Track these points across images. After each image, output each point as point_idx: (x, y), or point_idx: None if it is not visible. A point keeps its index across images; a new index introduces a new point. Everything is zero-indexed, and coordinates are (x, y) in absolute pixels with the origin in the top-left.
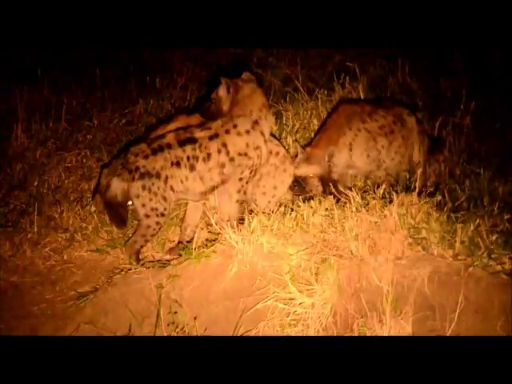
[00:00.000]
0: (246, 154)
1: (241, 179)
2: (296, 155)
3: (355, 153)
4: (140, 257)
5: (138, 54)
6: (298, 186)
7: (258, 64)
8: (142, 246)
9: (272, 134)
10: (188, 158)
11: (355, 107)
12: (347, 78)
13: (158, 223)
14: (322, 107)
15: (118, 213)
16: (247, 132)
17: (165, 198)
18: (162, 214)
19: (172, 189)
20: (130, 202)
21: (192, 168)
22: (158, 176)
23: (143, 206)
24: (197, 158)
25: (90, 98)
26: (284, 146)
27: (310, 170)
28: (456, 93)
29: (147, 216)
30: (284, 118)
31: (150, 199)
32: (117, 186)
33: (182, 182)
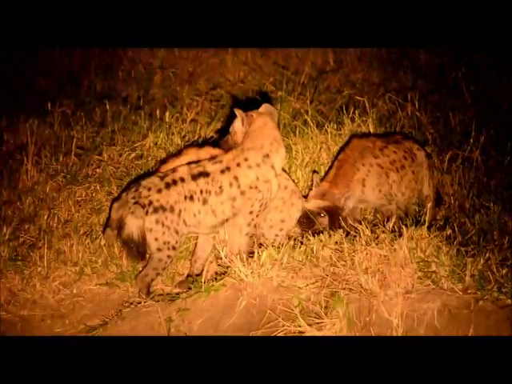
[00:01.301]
0: (256, 187)
1: (251, 212)
2: (311, 187)
3: (368, 188)
4: (150, 290)
5: (147, 89)
6: (307, 221)
7: (268, 98)
8: (152, 280)
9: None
10: (201, 191)
11: (367, 142)
12: (356, 111)
13: (169, 256)
14: (332, 141)
15: (135, 249)
16: (257, 165)
17: (177, 232)
18: (174, 248)
19: (185, 222)
20: None
21: (205, 202)
22: (171, 210)
23: (156, 239)
24: (209, 192)
25: (99, 131)
26: (293, 180)
27: (323, 206)
28: (465, 127)
29: (159, 250)
30: (293, 152)
31: (163, 233)
32: (132, 224)
33: (194, 215)
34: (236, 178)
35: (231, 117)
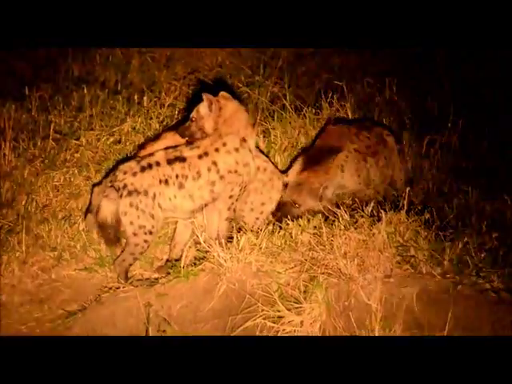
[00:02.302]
0: (235, 172)
1: (231, 197)
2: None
3: (347, 174)
4: (128, 275)
5: (125, 73)
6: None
7: (246, 82)
8: (130, 265)
9: (260, 151)
10: (177, 176)
11: (342, 128)
12: (335, 96)
13: (146, 241)
14: (310, 125)
15: (110, 233)
16: (236, 150)
17: (153, 216)
18: (150, 232)
19: (160, 206)
20: None
21: (181, 186)
22: (145, 193)
23: (131, 223)
24: (186, 177)
25: (77, 116)
26: (272, 163)
27: (298, 197)
28: (443, 111)
29: (135, 234)
30: (272, 136)
31: (138, 216)
32: (106, 207)
33: (170, 199)
34: (215, 163)
35: (198, 101)
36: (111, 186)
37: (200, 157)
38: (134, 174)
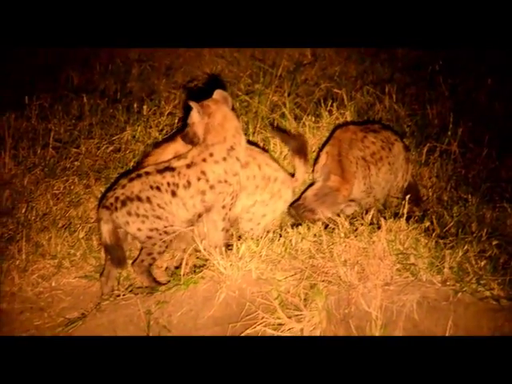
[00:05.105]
0: (225, 181)
1: (224, 207)
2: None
3: (356, 183)
4: (151, 277)
5: (125, 82)
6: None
7: (245, 91)
8: (150, 265)
9: (273, 158)
10: (168, 183)
11: (351, 134)
12: (334, 104)
13: (163, 241)
14: (310, 133)
15: (116, 253)
16: (224, 159)
17: (159, 217)
18: (166, 232)
19: (160, 206)
20: None
21: (173, 194)
22: (138, 199)
23: (139, 230)
24: (177, 185)
25: (77, 125)
26: (284, 170)
27: (318, 206)
28: (443, 119)
29: (149, 237)
30: (271, 145)
31: (143, 222)
32: (104, 230)
33: (166, 204)
34: (203, 173)
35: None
36: (102, 207)
37: (188, 166)
38: (123, 186)
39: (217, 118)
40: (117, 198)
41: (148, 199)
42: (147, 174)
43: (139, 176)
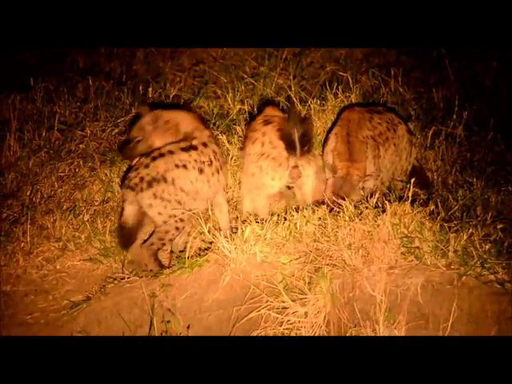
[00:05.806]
0: (224, 163)
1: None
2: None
3: (367, 164)
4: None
5: (130, 64)
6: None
7: (251, 74)
8: (159, 249)
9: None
10: (196, 161)
11: (358, 113)
12: (340, 87)
13: (177, 228)
14: (315, 116)
15: (127, 235)
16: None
17: (179, 202)
18: (182, 220)
19: (182, 190)
20: None
21: (201, 171)
22: (164, 180)
23: (159, 214)
24: (203, 162)
25: (82, 107)
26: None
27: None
28: (448, 103)
29: (165, 222)
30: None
31: (165, 207)
32: (128, 210)
33: (192, 182)
34: (215, 152)
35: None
36: (127, 188)
37: (204, 145)
38: (147, 166)
39: (172, 120)
40: (142, 179)
41: (173, 181)
42: (171, 152)
43: (162, 155)
